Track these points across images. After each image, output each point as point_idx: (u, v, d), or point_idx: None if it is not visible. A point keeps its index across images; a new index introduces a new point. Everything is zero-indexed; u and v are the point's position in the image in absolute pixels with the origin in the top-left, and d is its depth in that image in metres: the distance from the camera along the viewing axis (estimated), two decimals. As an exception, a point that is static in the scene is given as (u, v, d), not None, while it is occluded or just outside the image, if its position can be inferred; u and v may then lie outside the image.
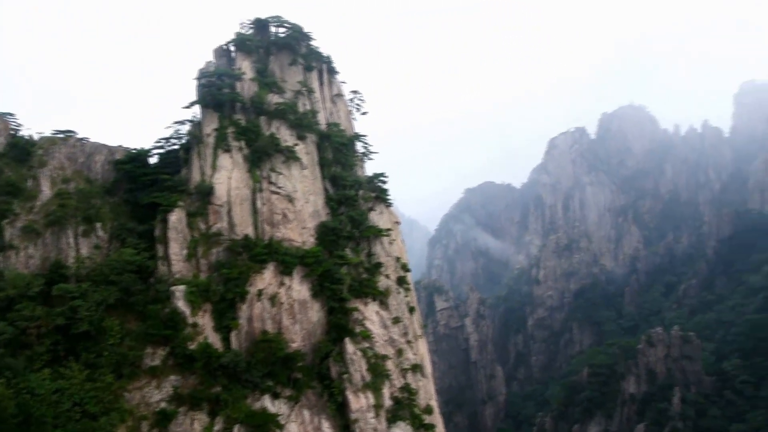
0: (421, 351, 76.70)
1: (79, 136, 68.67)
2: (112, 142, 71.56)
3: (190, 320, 57.90)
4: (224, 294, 61.06)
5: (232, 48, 79.14)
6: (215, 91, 71.45)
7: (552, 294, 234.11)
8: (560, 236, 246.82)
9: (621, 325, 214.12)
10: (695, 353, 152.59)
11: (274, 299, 62.79)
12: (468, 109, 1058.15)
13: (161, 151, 72.85)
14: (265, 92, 74.31)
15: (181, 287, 58.98)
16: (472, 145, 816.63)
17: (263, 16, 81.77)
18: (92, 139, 69.91)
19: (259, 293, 62.17)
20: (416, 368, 72.18)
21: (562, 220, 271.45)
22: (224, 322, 60.33)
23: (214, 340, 58.98)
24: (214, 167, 67.28)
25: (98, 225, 62.93)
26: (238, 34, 79.42)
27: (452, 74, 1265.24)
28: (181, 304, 58.01)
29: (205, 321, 59.17)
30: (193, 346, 56.75)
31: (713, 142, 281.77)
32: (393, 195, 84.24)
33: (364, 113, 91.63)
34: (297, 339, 63.15)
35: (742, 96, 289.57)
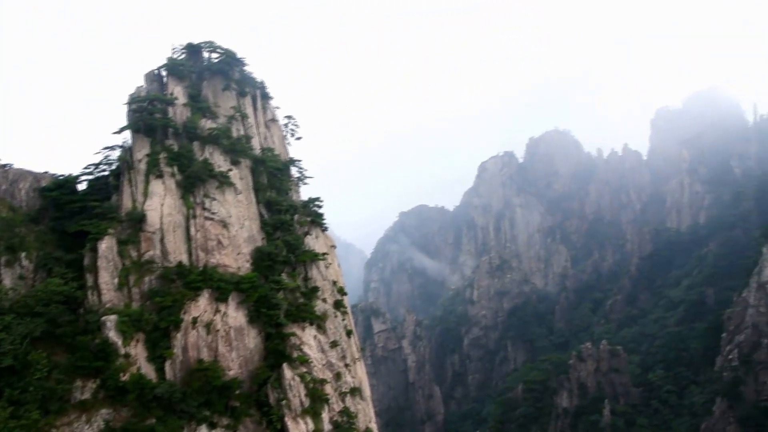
0: (360, 374, 76.87)
1: (2, 162, 66.27)
2: (37, 168, 69.42)
3: (122, 351, 56.23)
4: (158, 323, 59.68)
5: (163, 73, 78.18)
6: (147, 116, 70.33)
7: (486, 313, 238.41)
8: (492, 257, 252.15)
9: (552, 341, 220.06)
10: (623, 366, 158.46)
11: (209, 327, 61.85)
12: (397, 133, 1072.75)
13: (90, 177, 70.82)
14: (198, 117, 73.68)
15: (112, 317, 57.29)
16: (405, 170, 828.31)
17: (195, 41, 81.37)
18: (16, 166, 67.55)
19: (194, 321, 61.12)
20: (355, 391, 72.22)
21: (494, 241, 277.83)
22: (158, 352, 58.86)
23: (148, 370, 57.50)
24: (145, 193, 66.08)
25: (23, 254, 60.43)
26: (170, 59, 78.59)
27: (379, 100, 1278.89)
28: (113, 335, 56.33)
29: (137, 351, 57.64)
30: (125, 378, 55.09)
31: (633, 164, 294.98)
32: (328, 219, 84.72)
33: (298, 138, 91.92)
34: (234, 366, 62.31)
35: (657, 121, 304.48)
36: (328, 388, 67.00)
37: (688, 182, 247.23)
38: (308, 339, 68.38)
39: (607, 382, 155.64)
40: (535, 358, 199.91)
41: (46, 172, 69.23)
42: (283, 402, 61.36)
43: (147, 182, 66.79)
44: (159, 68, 77.75)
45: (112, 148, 71.07)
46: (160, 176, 67.19)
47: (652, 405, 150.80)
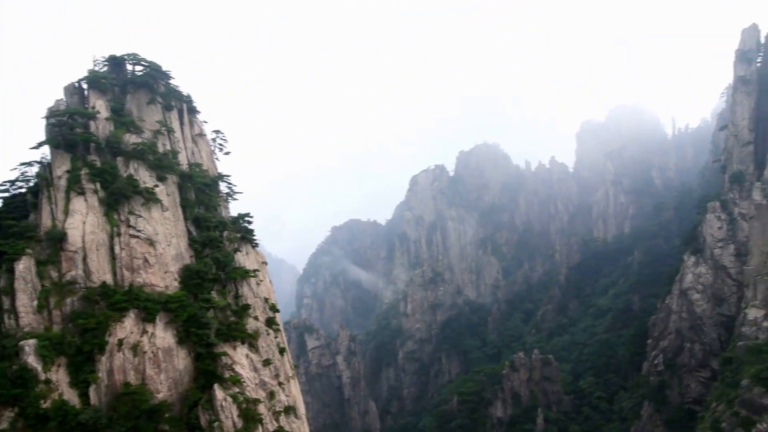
0: (294, 392, 75.58)
1: None
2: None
3: (43, 376, 53.59)
4: (81, 346, 57.08)
5: (84, 86, 75.32)
6: (66, 130, 67.46)
7: (420, 326, 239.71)
8: (425, 270, 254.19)
9: (486, 352, 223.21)
10: (554, 374, 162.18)
11: (136, 348, 59.53)
12: (339, 151, 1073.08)
13: (6, 195, 67.31)
14: (121, 132, 71.21)
15: (31, 341, 54.47)
16: (337, 189, 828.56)
17: (118, 53, 78.84)
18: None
19: (120, 343, 58.72)
20: (289, 410, 70.93)
21: (426, 254, 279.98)
22: (82, 377, 56.25)
23: (71, 396, 54.86)
24: (66, 211, 63.26)
25: (-69, 278, 57.01)
26: (91, 72, 75.75)
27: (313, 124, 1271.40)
28: (32, 360, 53.56)
29: (59, 376, 54.97)
30: (46, 405, 52.46)
31: (560, 176, 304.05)
32: (259, 235, 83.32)
33: (226, 153, 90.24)
34: (163, 389, 60.13)
35: (582, 134, 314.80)
36: (262, 408, 65.49)
37: (613, 193, 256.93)
38: (240, 358, 66.77)
39: (539, 391, 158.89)
40: (469, 370, 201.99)
41: (-44, 190, 65.44)
42: (215, 424, 59.59)
43: (68, 199, 63.96)
44: (79, 81, 74.76)
45: (29, 164, 67.85)
46: (81, 193, 64.50)
47: (583, 412, 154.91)
